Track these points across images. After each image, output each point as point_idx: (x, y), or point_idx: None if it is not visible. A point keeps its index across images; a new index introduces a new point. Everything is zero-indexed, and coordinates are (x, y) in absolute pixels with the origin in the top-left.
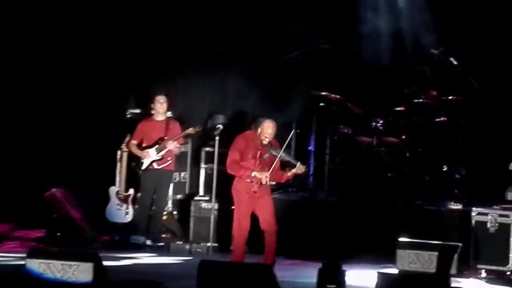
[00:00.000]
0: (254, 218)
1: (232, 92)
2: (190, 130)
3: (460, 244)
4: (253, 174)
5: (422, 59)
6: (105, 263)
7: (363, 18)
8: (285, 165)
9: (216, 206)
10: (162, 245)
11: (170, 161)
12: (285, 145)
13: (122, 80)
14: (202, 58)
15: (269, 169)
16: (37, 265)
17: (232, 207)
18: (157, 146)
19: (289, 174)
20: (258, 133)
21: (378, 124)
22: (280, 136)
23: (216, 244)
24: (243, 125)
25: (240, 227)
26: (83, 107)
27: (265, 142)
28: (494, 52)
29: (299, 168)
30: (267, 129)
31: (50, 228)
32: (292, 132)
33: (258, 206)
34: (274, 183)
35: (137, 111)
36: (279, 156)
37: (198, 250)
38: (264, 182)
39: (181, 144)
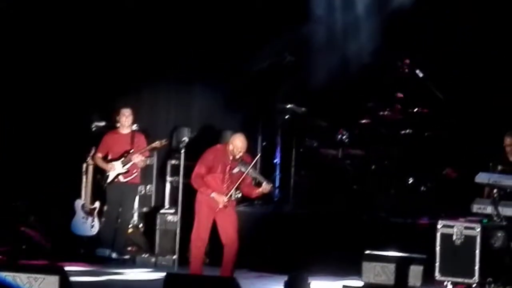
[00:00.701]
0: (215, 230)
1: (198, 105)
2: (156, 144)
3: (425, 256)
4: (212, 195)
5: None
6: (70, 276)
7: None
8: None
9: (179, 219)
10: (128, 258)
11: (136, 174)
12: (253, 162)
13: (87, 92)
14: (167, 71)
15: (235, 186)
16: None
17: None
18: (122, 159)
19: (256, 192)
20: (230, 148)
21: (344, 137)
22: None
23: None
24: (209, 138)
25: (198, 238)
26: (48, 119)
27: (238, 156)
28: (457, 64)
29: (264, 188)
30: (238, 143)
31: (16, 241)
32: (259, 155)
33: (220, 219)
34: (240, 195)
35: (102, 123)
36: (246, 172)
37: (163, 263)
38: (220, 206)
39: (146, 157)
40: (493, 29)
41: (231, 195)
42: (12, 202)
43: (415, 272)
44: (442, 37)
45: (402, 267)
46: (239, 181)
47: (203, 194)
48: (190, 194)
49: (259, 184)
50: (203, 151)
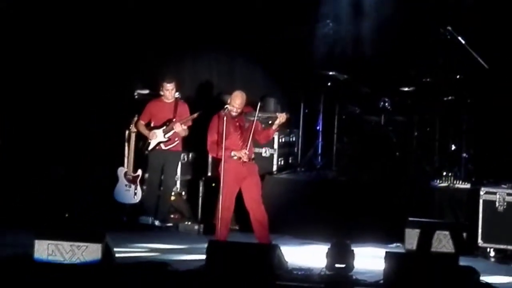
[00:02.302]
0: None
1: (239, 73)
2: (197, 114)
3: (467, 223)
4: (232, 154)
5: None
6: (113, 243)
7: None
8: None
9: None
10: (171, 225)
11: (178, 142)
12: (258, 107)
13: (129, 60)
14: (209, 40)
15: (253, 135)
16: (45, 246)
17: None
18: (164, 127)
19: (274, 127)
20: (231, 108)
21: (386, 104)
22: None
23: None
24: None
25: (223, 208)
26: (91, 88)
27: (234, 113)
28: (502, 32)
29: (281, 117)
30: (235, 99)
31: (58, 209)
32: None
33: (244, 186)
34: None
35: (145, 92)
36: (256, 118)
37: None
38: (245, 159)
39: (188, 126)
40: None
41: (246, 153)
42: (53, 169)
43: (458, 238)
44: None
45: (444, 233)
46: (253, 130)
47: (227, 161)
48: None
49: (274, 119)
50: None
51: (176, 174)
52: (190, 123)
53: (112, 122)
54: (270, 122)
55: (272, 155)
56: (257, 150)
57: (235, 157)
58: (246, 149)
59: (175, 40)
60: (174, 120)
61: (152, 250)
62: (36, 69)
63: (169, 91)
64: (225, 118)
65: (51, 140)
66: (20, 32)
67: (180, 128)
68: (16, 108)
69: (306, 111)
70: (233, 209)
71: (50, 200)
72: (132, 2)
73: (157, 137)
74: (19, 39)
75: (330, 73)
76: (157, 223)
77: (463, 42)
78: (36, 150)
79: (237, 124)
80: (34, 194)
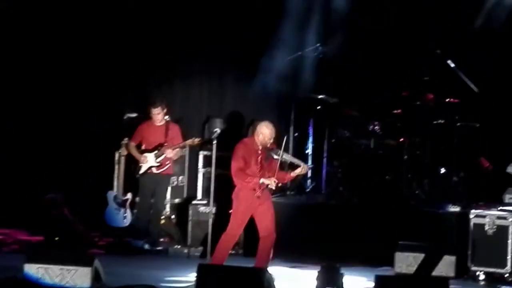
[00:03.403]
0: (251, 222)
1: (230, 95)
2: (189, 142)
3: (457, 246)
4: (261, 181)
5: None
6: (103, 267)
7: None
8: (283, 167)
9: (214, 210)
10: (161, 249)
11: (169, 165)
12: (283, 146)
13: (119, 83)
14: (199, 61)
15: (273, 173)
16: (35, 270)
17: (230, 211)
18: (156, 152)
19: (292, 174)
20: (260, 138)
21: (376, 127)
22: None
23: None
24: (241, 128)
25: (231, 233)
26: (81, 110)
27: (269, 145)
28: (492, 55)
29: (304, 168)
30: (266, 130)
31: (48, 232)
32: (285, 137)
33: (258, 213)
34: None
35: (134, 115)
36: (280, 158)
37: (196, 254)
38: (273, 187)
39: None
40: None
41: (275, 181)
42: (45, 194)
43: (448, 262)
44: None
45: (434, 257)
46: (277, 168)
47: (243, 190)
48: (222, 185)
49: (294, 167)
50: (236, 141)
51: (166, 198)
52: (181, 149)
53: (101, 144)
54: (290, 165)
55: None
56: None
57: (263, 184)
58: (274, 177)
59: (165, 61)
60: (165, 144)
61: (141, 273)
62: (23, 93)
63: (156, 115)
64: (259, 147)
65: (42, 163)
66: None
67: (172, 154)
68: (4, 132)
69: (296, 134)
70: (238, 238)
71: (41, 222)
72: (124, 24)
73: (148, 161)
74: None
75: (320, 96)
76: (147, 246)
77: (452, 65)
78: (28, 173)
79: (260, 157)
80: (26, 215)
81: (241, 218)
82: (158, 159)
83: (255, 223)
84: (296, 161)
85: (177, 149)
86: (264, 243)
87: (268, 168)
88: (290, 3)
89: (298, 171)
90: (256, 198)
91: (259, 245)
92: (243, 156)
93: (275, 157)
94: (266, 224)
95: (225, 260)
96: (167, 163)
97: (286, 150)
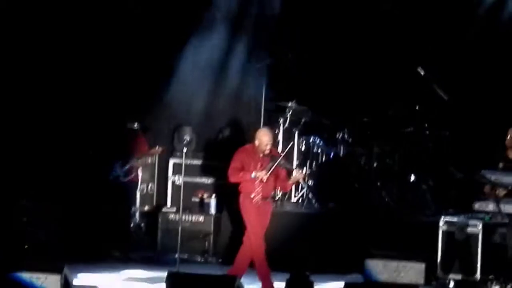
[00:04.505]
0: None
1: (199, 102)
2: (154, 151)
3: (426, 254)
4: (253, 174)
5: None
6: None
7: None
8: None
9: (183, 217)
10: (130, 256)
11: (134, 174)
12: (283, 153)
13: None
14: (170, 69)
15: (274, 179)
16: None
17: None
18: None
19: (290, 182)
20: (257, 144)
21: (345, 135)
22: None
23: (185, 256)
24: (210, 135)
25: (259, 242)
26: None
27: (267, 152)
28: (462, 63)
29: (298, 174)
30: (264, 137)
31: (18, 240)
32: (292, 142)
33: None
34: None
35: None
36: (276, 163)
37: (165, 261)
38: (264, 179)
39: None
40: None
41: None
42: (16, 201)
43: (417, 270)
44: (444, 37)
45: (404, 264)
46: (269, 171)
47: (247, 198)
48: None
49: (291, 173)
50: (205, 148)
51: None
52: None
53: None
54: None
55: None
56: (216, 181)
57: (256, 178)
58: (267, 172)
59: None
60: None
61: (111, 280)
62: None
63: None
64: (259, 154)
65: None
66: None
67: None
68: None
69: None
70: (263, 247)
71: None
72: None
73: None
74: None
75: (289, 104)
76: (117, 253)
77: (422, 73)
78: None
79: (259, 164)
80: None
81: (258, 223)
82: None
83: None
84: (290, 167)
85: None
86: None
87: (275, 174)
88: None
89: (293, 177)
90: (257, 204)
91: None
92: (241, 160)
93: (271, 162)
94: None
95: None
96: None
97: (285, 158)
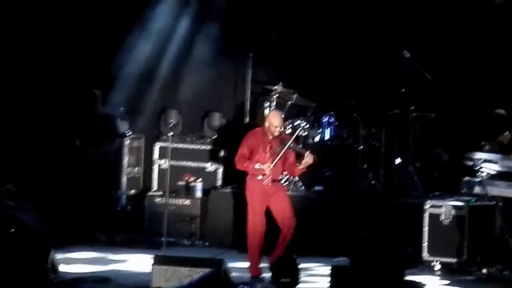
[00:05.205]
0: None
1: (184, 87)
2: None
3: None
4: (256, 166)
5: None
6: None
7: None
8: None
9: (170, 201)
10: (117, 239)
11: None
12: (293, 136)
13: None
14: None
15: (280, 162)
16: None
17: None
18: None
19: (301, 166)
20: (266, 125)
21: (331, 118)
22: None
23: (172, 239)
24: (196, 119)
25: (254, 224)
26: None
27: (276, 133)
28: (447, 45)
29: (308, 157)
30: (274, 119)
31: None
32: (301, 127)
33: (272, 202)
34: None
35: None
36: (286, 147)
37: (152, 245)
38: (267, 172)
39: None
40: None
41: (269, 166)
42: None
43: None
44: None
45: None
46: (279, 156)
47: (253, 180)
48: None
49: (302, 157)
50: (191, 132)
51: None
52: None
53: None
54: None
55: (216, 169)
56: (202, 164)
57: (260, 170)
58: (270, 164)
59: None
60: None
61: (98, 263)
62: None
63: None
64: (269, 137)
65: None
66: None
67: None
68: None
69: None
70: (265, 226)
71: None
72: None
73: None
74: None
75: (275, 87)
76: (102, 237)
77: (407, 55)
78: None
79: (269, 146)
80: None
81: (258, 206)
82: None
83: (273, 216)
84: (301, 150)
85: None
86: (283, 230)
87: (283, 158)
88: None
89: (304, 161)
90: (266, 187)
91: (279, 237)
92: (249, 145)
93: (280, 147)
94: (285, 215)
95: (260, 254)
96: None
97: (295, 141)
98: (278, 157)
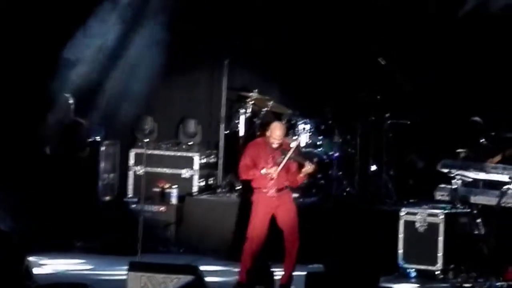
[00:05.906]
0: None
1: (159, 94)
2: None
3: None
4: (262, 171)
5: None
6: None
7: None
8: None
9: (145, 207)
10: (93, 246)
11: None
12: (294, 147)
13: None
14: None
15: (286, 172)
16: None
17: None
18: None
19: (301, 175)
20: (268, 135)
21: (307, 124)
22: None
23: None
24: (172, 127)
25: (253, 236)
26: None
27: (275, 145)
28: (424, 53)
29: (308, 167)
30: (275, 130)
31: None
32: (299, 139)
33: (279, 214)
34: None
35: None
36: (287, 157)
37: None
38: (274, 176)
39: None
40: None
41: (275, 170)
42: None
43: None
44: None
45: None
46: (281, 165)
47: (259, 193)
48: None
49: (302, 167)
50: (167, 139)
51: None
52: None
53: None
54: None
55: (192, 176)
56: (177, 171)
57: (266, 174)
58: (277, 167)
59: None
60: None
61: (74, 269)
62: None
63: None
64: (270, 147)
65: None
66: None
67: None
68: None
69: (227, 132)
70: (263, 239)
71: None
72: None
73: None
74: None
75: (251, 94)
76: (78, 244)
77: (383, 63)
78: None
79: (271, 156)
80: None
81: (261, 220)
82: None
83: (278, 226)
84: (301, 160)
85: None
86: (288, 246)
87: (286, 168)
88: None
89: (304, 170)
90: (271, 200)
91: (285, 248)
92: (251, 155)
93: (281, 157)
94: (286, 228)
95: (250, 265)
96: None
97: (296, 151)
98: (282, 165)
